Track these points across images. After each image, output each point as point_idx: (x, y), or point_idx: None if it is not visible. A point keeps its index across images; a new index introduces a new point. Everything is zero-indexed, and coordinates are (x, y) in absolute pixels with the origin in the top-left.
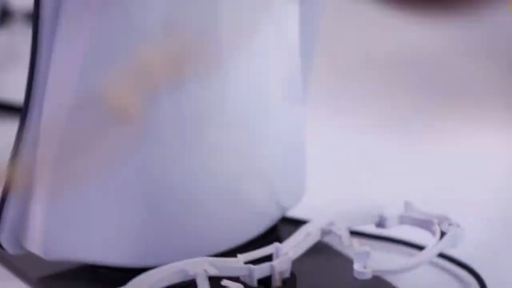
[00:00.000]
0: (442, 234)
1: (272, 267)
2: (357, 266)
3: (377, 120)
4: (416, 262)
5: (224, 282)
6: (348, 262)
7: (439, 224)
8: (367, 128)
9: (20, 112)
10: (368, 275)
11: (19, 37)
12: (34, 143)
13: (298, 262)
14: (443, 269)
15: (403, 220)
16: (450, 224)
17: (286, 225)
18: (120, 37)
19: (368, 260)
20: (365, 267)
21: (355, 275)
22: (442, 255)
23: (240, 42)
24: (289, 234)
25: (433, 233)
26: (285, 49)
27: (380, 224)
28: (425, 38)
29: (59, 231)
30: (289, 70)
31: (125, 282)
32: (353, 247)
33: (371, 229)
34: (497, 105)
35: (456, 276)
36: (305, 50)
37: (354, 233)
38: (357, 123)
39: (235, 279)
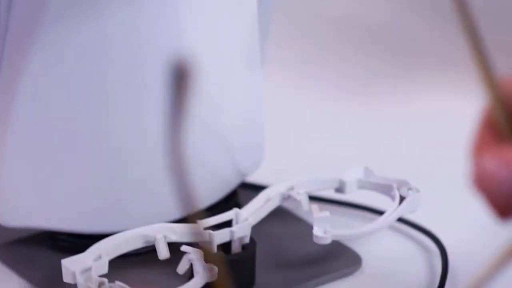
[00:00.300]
0: (402, 199)
1: (231, 233)
2: (316, 231)
3: (335, 85)
4: (376, 227)
5: (184, 248)
6: (308, 227)
7: (398, 189)
8: (326, 93)
9: None
10: (327, 240)
11: None
12: None
13: (257, 227)
14: (403, 234)
15: (362, 185)
16: (409, 189)
17: (246, 191)
18: None
19: (328, 225)
20: (324, 232)
21: (315, 240)
22: (402, 220)
23: (198, 9)
24: (249, 199)
25: (392, 198)
26: (243, 16)
27: (339, 189)
28: (380, 2)
29: (17, 197)
30: (247, 37)
31: (84, 248)
32: (312, 212)
33: (331, 194)
34: (452, 67)
35: (416, 241)
36: (263, 16)
37: (313, 198)
38: (316, 88)
39: (195, 244)
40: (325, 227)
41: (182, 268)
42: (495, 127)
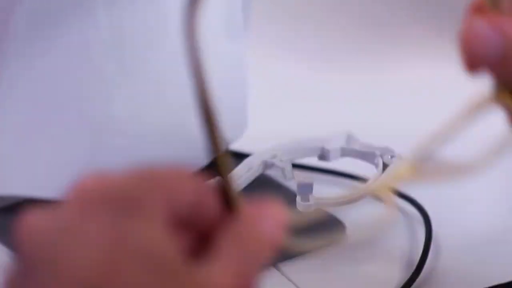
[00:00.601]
0: (385, 166)
1: None
2: (300, 199)
3: (319, 53)
4: (359, 194)
5: None
6: (291, 195)
7: (381, 156)
8: (311, 61)
9: None
10: (310, 207)
11: None
12: None
13: (243, 192)
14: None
15: (345, 152)
16: (392, 156)
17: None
18: None
19: (311, 192)
20: (308, 200)
21: (298, 207)
22: None
23: None
24: (232, 167)
25: (376, 165)
26: None
27: (322, 157)
28: None
29: (2, 165)
30: (228, 4)
31: None
32: (295, 180)
33: (314, 161)
34: (434, 37)
35: (399, 208)
36: None
37: (296, 166)
38: (300, 56)
39: None
40: (308, 194)
41: None
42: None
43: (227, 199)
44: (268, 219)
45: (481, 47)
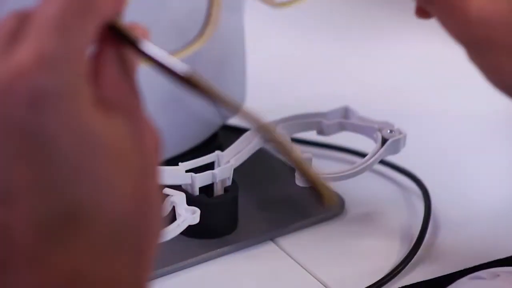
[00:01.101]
0: (385, 141)
1: (213, 175)
2: (299, 173)
3: (321, 25)
4: (358, 168)
5: (166, 190)
6: (290, 169)
7: (380, 131)
8: (311, 34)
9: None
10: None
11: None
12: None
13: (239, 170)
14: (386, 176)
15: (344, 127)
16: (391, 131)
17: (227, 133)
18: None
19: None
20: None
21: (297, 182)
22: (384, 163)
23: None
24: (231, 142)
25: (375, 139)
26: None
27: (321, 131)
28: None
29: None
30: None
31: None
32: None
33: (313, 136)
34: None
35: (398, 183)
36: None
37: (295, 141)
38: (301, 28)
39: (177, 187)
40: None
41: (164, 210)
42: None
43: None
44: None
45: None
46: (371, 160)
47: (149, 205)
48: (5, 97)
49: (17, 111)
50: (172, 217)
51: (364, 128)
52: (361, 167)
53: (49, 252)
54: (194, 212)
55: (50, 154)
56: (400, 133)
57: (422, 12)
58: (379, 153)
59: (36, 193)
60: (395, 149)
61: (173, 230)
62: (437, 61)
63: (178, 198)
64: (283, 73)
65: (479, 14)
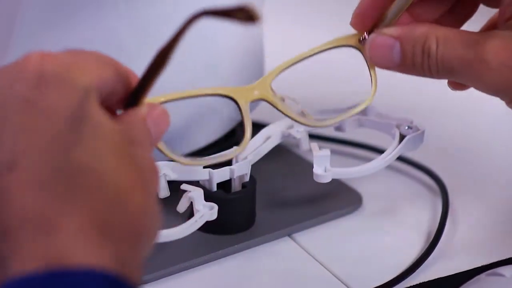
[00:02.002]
0: (403, 137)
1: (231, 171)
2: (316, 169)
3: (336, 22)
4: (376, 165)
5: (183, 186)
6: (308, 166)
7: (398, 127)
8: (328, 30)
9: None
10: (327, 178)
11: None
12: None
13: (257, 166)
14: (404, 173)
15: (362, 123)
16: (409, 127)
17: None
18: None
19: (328, 163)
20: (325, 170)
21: (315, 178)
22: (403, 159)
23: None
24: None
25: (393, 136)
26: None
27: (339, 127)
28: None
29: None
30: None
31: None
32: (312, 151)
33: (331, 132)
34: None
35: (416, 179)
36: None
37: (313, 137)
38: (317, 25)
39: (195, 183)
40: (325, 165)
41: (182, 206)
42: None
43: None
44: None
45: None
46: (388, 157)
47: (141, 171)
48: (17, 75)
49: (24, 87)
50: (190, 212)
51: (382, 125)
52: (379, 163)
53: (55, 213)
54: (211, 208)
55: (50, 126)
56: (418, 129)
57: (455, 84)
58: (396, 150)
59: (38, 160)
60: (414, 145)
61: (190, 226)
62: None
63: (196, 194)
64: (301, 70)
65: (497, 60)
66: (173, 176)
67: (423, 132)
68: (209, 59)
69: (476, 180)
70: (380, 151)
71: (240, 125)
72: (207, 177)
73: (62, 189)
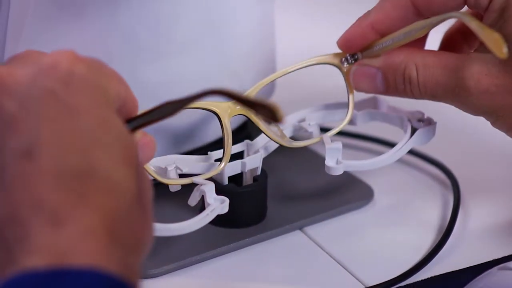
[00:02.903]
0: (414, 130)
1: (243, 165)
2: (328, 162)
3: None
4: (388, 158)
5: (195, 179)
6: (319, 159)
7: (410, 120)
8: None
9: None
10: (339, 170)
11: None
12: None
13: (269, 159)
14: (415, 166)
15: (373, 116)
16: (421, 120)
17: None
18: None
19: (340, 156)
20: (336, 163)
21: (327, 170)
22: (414, 153)
23: None
24: (260, 131)
25: (404, 129)
26: None
27: (351, 121)
28: None
29: None
30: None
31: None
32: (324, 143)
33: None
34: None
35: (428, 173)
36: None
37: (325, 130)
38: (329, 18)
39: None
40: (337, 157)
41: (193, 200)
42: None
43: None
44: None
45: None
46: (400, 150)
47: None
48: (50, 70)
49: (54, 82)
50: (201, 206)
51: (394, 118)
52: (390, 157)
53: (67, 208)
54: (223, 201)
55: (74, 123)
56: (430, 122)
57: None
58: (408, 143)
59: (58, 154)
60: (426, 138)
61: (202, 220)
62: None
63: (208, 188)
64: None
65: (479, 87)
66: (185, 169)
67: (435, 125)
68: (223, 56)
69: (488, 173)
70: (391, 145)
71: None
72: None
73: (78, 187)
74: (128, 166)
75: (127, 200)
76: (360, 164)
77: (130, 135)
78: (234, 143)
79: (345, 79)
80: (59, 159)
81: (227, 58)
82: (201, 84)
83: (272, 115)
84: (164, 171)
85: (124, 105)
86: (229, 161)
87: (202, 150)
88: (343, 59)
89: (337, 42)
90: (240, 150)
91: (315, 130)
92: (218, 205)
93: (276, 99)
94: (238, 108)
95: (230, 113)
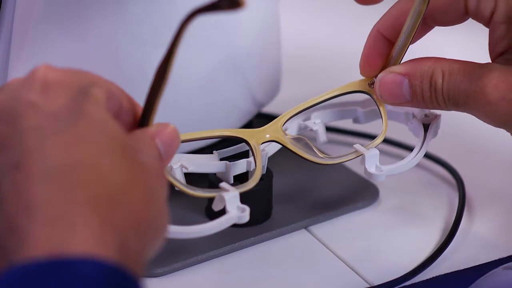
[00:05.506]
0: (424, 125)
1: (248, 164)
2: (370, 169)
3: (353, 13)
4: (419, 155)
5: (222, 185)
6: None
7: (415, 116)
8: (345, 21)
9: None
10: (381, 177)
11: None
12: None
13: (274, 158)
14: (420, 165)
15: (378, 114)
16: (426, 115)
17: (262, 121)
18: None
19: (378, 161)
20: (375, 169)
21: (368, 177)
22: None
23: None
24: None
25: (412, 126)
26: None
27: (357, 119)
28: None
29: None
30: None
31: None
32: (361, 152)
33: (348, 125)
34: None
35: (433, 173)
36: None
37: (330, 129)
38: (334, 16)
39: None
40: (375, 163)
41: (216, 206)
42: None
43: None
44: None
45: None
46: (424, 145)
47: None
48: (26, 83)
49: (32, 93)
50: (207, 206)
51: (399, 115)
52: (420, 152)
53: (58, 204)
54: (243, 211)
55: (55, 126)
56: (434, 115)
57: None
58: (428, 137)
59: (42, 158)
60: (435, 132)
61: (216, 226)
62: (468, 45)
63: (231, 195)
64: (318, 61)
65: (496, 94)
66: (190, 168)
67: (440, 118)
68: (229, 53)
69: (493, 172)
70: (397, 144)
71: (257, 117)
72: (223, 170)
73: (67, 182)
74: (118, 153)
75: (119, 183)
76: (398, 167)
77: (114, 124)
78: (239, 142)
79: (375, 102)
80: (43, 161)
81: (232, 55)
82: (206, 81)
83: (234, 2)
84: (169, 169)
85: (124, 104)
86: (235, 160)
87: (208, 149)
88: (371, 82)
89: (360, 73)
90: (245, 149)
91: (320, 129)
92: (237, 214)
93: (281, 97)
94: (268, 136)
95: (259, 140)
